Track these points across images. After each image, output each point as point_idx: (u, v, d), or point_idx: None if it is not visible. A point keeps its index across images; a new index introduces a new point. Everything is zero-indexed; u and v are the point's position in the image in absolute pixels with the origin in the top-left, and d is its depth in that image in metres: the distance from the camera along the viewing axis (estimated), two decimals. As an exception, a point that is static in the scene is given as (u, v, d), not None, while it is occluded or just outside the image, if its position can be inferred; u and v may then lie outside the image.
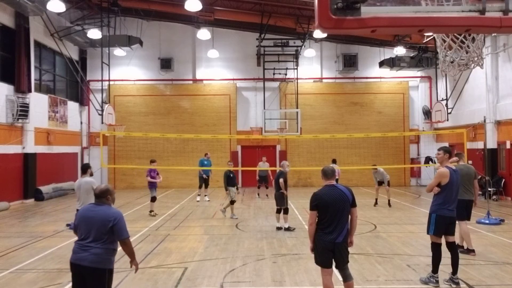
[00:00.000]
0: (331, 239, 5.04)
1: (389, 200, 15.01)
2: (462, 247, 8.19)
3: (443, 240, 6.46)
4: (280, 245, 9.19)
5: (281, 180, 10.70)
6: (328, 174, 5.26)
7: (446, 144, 21.48)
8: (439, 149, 6.73)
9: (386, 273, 7.01)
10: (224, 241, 9.59)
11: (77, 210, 7.99)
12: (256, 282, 6.66)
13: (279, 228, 10.80)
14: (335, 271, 5.37)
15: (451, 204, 6.36)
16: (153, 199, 13.34)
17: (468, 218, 8.25)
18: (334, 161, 17.22)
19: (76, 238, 4.62)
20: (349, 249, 5.31)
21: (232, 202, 12.73)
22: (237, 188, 12.93)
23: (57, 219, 13.07)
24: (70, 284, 6.53)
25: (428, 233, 6.50)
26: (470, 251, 8.09)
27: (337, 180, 17.45)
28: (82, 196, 8.53)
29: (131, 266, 4.79)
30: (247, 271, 7.25)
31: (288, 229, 10.71)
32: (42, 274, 7.21)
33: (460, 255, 6.84)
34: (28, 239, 10.00)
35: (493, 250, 8.46)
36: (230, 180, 12.77)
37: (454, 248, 6.41)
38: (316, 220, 5.16)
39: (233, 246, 9.09)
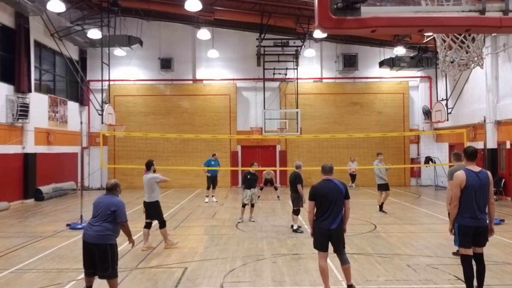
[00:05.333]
0: (326, 225, 5.73)
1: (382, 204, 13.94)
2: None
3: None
4: (280, 245, 9.18)
5: (299, 186, 10.43)
6: (325, 169, 5.98)
7: (446, 144, 21.64)
8: None
9: (386, 273, 7.01)
10: (224, 241, 9.60)
11: (144, 202, 9.15)
12: (256, 282, 6.67)
13: (296, 230, 10.49)
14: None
15: (475, 211, 5.53)
16: None
17: None
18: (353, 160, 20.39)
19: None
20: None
21: (243, 205, 12.13)
22: (261, 189, 12.02)
23: (57, 219, 13.06)
24: (70, 284, 6.59)
25: (454, 244, 5.98)
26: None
27: (355, 176, 18.49)
28: (146, 190, 9.03)
29: (129, 243, 6.05)
30: (247, 271, 7.25)
31: (295, 230, 10.47)
32: (42, 274, 7.20)
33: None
34: (28, 239, 9.99)
35: (493, 250, 8.43)
36: (246, 182, 12.09)
37: (479, 261, 5.71)
38: (315, 209, 5.86)
39: (233, 246, 9.09)
